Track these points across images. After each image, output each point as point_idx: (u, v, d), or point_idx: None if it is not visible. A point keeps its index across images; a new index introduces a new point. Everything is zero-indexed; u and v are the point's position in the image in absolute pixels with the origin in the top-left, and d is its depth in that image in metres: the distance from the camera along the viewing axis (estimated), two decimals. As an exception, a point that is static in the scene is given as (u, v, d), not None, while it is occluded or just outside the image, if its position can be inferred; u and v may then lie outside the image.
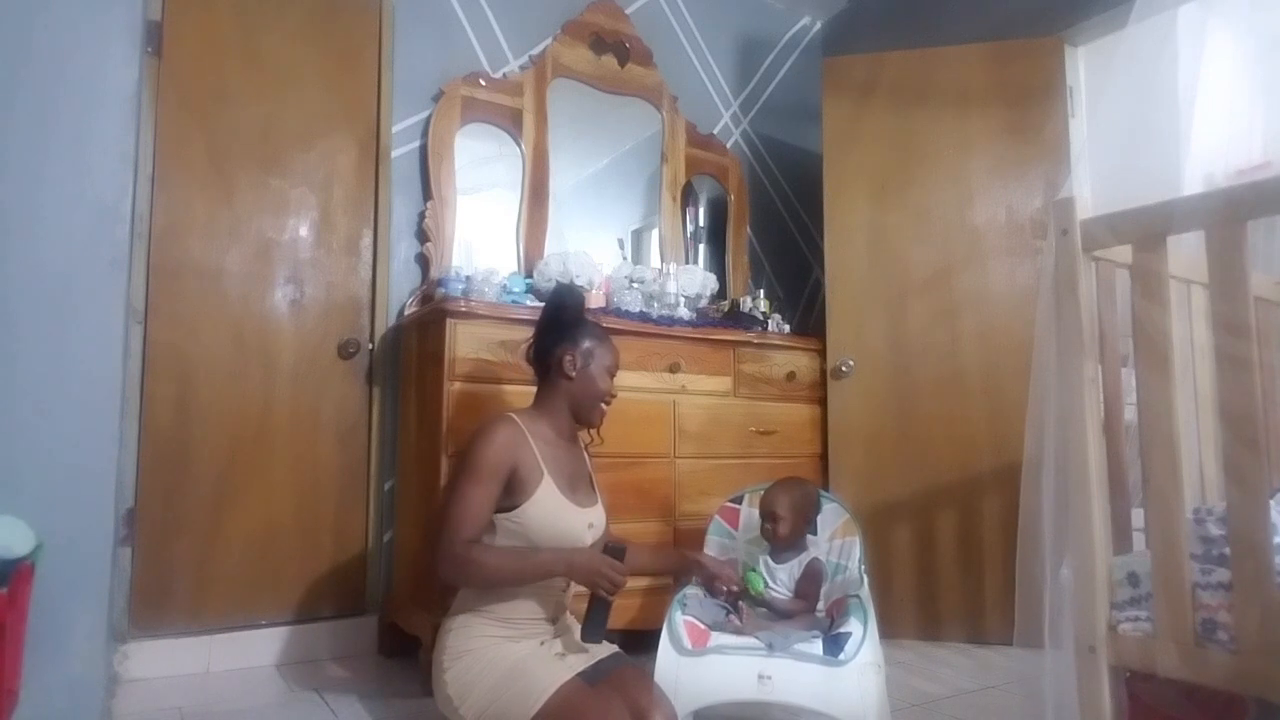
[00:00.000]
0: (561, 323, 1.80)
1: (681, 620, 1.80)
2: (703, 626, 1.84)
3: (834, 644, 1.71)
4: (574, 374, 1.76)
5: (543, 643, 1.62)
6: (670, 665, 1.71)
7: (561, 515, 1.65)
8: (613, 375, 1.82)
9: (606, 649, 1.70)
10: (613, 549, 1.61)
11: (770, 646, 1.72)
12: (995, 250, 2.84)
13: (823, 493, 2.33)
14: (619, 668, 1.63)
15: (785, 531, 2.06)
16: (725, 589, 1.90)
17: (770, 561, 2.08)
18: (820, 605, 2.07)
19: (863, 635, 1.73)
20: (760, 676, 1.66)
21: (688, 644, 1.73)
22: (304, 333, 2.54)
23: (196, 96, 2.43)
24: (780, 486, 2.14)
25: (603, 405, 1.81)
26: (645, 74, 3.24)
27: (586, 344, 1.78)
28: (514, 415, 1.70)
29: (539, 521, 1.61)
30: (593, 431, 1.86)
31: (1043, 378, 1.45)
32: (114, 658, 2.08)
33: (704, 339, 2.69)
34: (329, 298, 2.59)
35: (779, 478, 2.23)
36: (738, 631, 1.86)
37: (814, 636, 1.78)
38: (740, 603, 2.03)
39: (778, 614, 2.00)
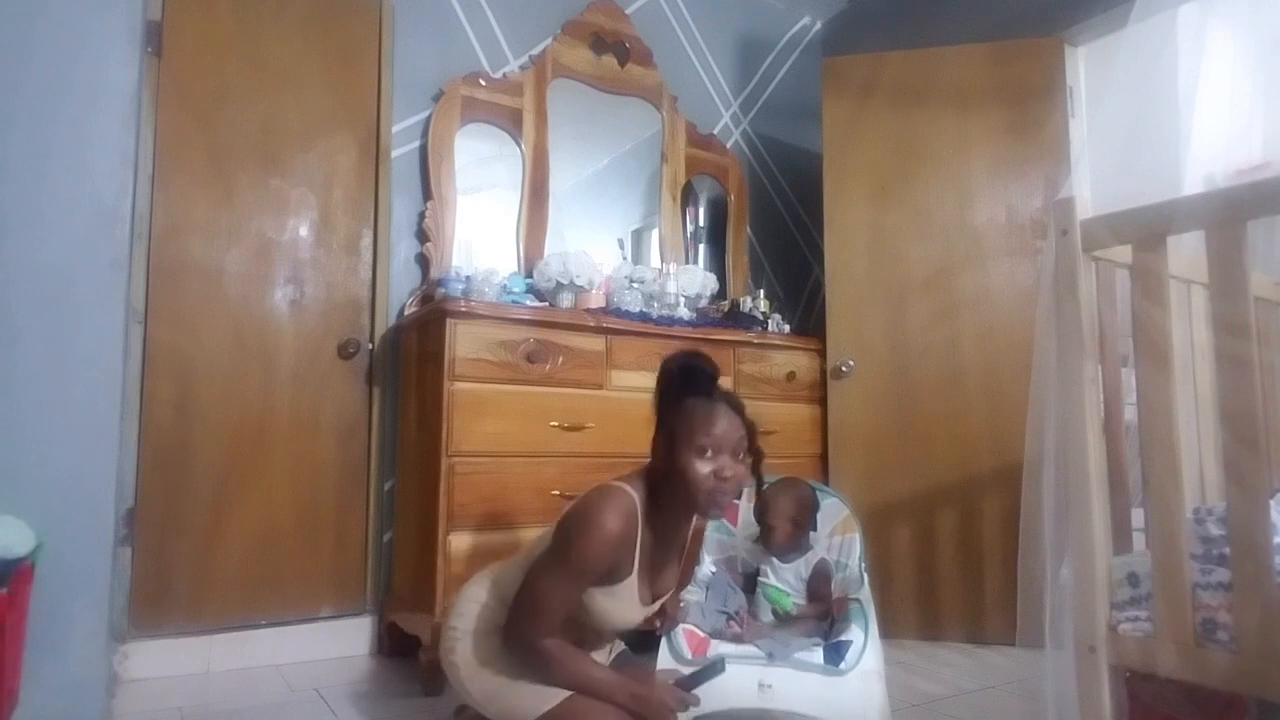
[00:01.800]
0: (660, 399, 1.58)
1: (681, 628, 1.79)
2: (702, 634, 1.82)
3: (835, 652, 1.69)
4: (661, 463, 1.53)
5: None
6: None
7: (625, 613, 1.56)
8: (710, 453, 1.47)
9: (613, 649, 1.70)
10: (700, 673, 1.51)
11: (770, 655, 1.69)
12: (995, 250, 2.84)
13: (823, 487, 2.32)
14: (625, 668, 1.63)
15: (782, 539, 2.06)
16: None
17: (777, 562, 2.07)
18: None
19: (864, 643, 1.71)
20: (761, 685, 1.64)
21: (687, 653, 1.72)
22: (304, 333, 2.54)
23: (196, 96, 2.43)
24: (774, 492, 2.10)
25: (714, 497, 1.49)
26: (645, 74, 3.24)
27: (672, 424, 1.52)
28: (632, 492, 1.50)
29: (601, 609, 1.53)
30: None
31: (1043, 378, 1.45)
32: (114, 658, 2.08)
33: (704, 339, 2.68)
34: (329, 298, 2.59)
35: (780, 478, 2.21)
36: (737, 639, 1.83)
37: (815, 644, 1.76)
38: (739, 612, 2.00)
39: (806, 625, 1.97)
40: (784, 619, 1.98)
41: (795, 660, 1.69)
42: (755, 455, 1.57)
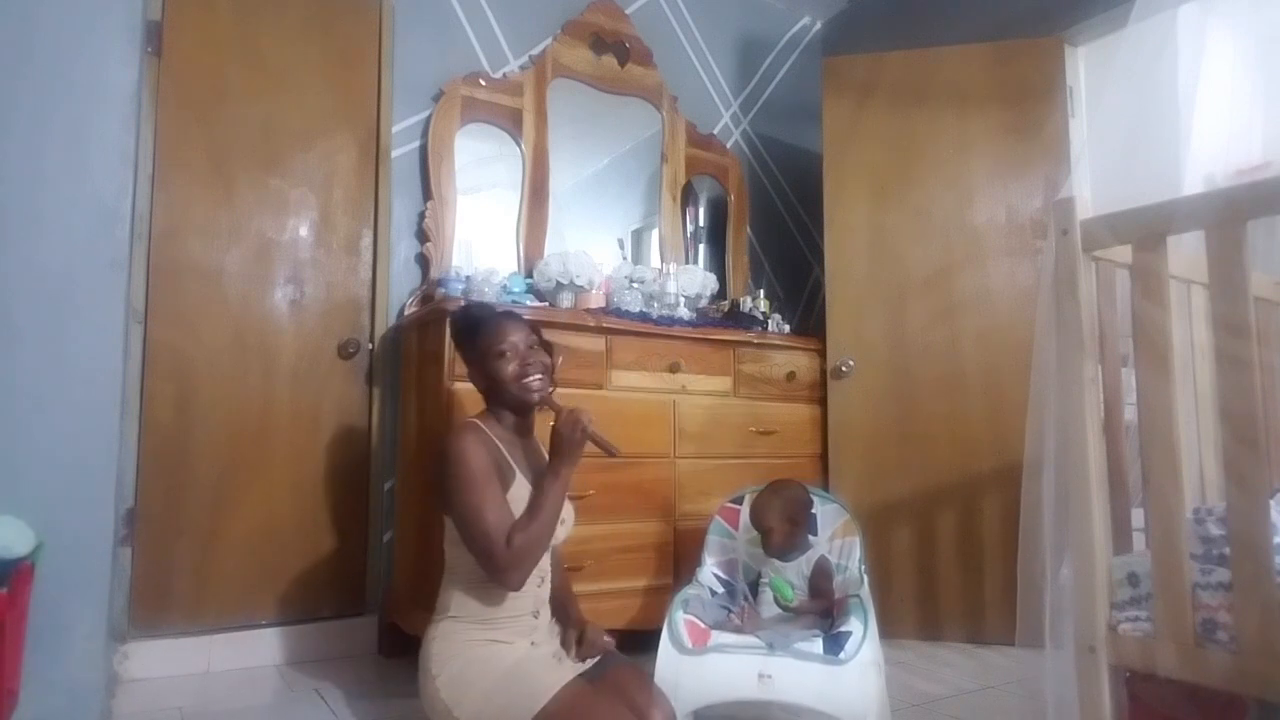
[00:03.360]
0: (460, 350, 1.82)
1: (682, 619, 1.81)
2: (703, 626, 1.84)
3: (834, 643, 1.72)
4: (483, 384, 1.75)
5: (533, 643, 1.62)
6: (671, 664, 1.71)
7: None
8: (509, 352, 1.70)
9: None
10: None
11: (770, 645, 1.72)
12: (995, 250, 2.84)
13: (823, 493, 2.33)
14: (616, 667, 1.63)
15: (780, 540, 2.07)
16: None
17: (778, 564, 2.09)
18: None
19: (863, 634, 1.74)
20: (761, 675, 1.66)
21: (688, 643, 1.74)
22: (304, 333, 2.54)
23: (196, 96, 2.43)
24: (767, 496, 2.14)
25: (524, 384, 1.70)
26: (645, 74, 3.24)
27: (474, 353, 1.75)
28: (475, 420, 1.70)
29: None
30: (550, 407, 1.79)
31: (1043, 378, 1.45)
32: (114, 658, 2.08)
33: (704, 339, 2.69)
34: (329, 298, 2.59)
35: (771, 481, 2.22)
36: (738, 630, 1.86)
37: (814, 635, 1.79)
38: (744, 603, 2.03)
39: (808, 619, 1.98)
40: (786, 610, 2.00)
41: (795, 650, 1.71)
42: (545, 346, 1.79)
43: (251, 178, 2.50)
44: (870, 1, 3.67)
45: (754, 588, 2.13)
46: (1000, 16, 3.09)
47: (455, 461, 1.57)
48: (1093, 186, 1.76)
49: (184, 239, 2.39)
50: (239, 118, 2.49)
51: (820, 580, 2.05)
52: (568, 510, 1.75)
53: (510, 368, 1.70)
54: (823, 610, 2.01)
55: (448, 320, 1.88)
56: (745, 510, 2.31)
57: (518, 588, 1.55)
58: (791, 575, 2.06)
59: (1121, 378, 1.43)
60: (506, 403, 1.73)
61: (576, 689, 1.49)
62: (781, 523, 2.07)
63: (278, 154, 2.54)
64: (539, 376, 1.72)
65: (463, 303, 2.24)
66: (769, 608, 2.04)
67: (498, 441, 1.66)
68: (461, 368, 2.21)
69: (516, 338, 1.73)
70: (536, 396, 1.72)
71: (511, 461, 1.66)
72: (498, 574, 1.53)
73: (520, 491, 1.63)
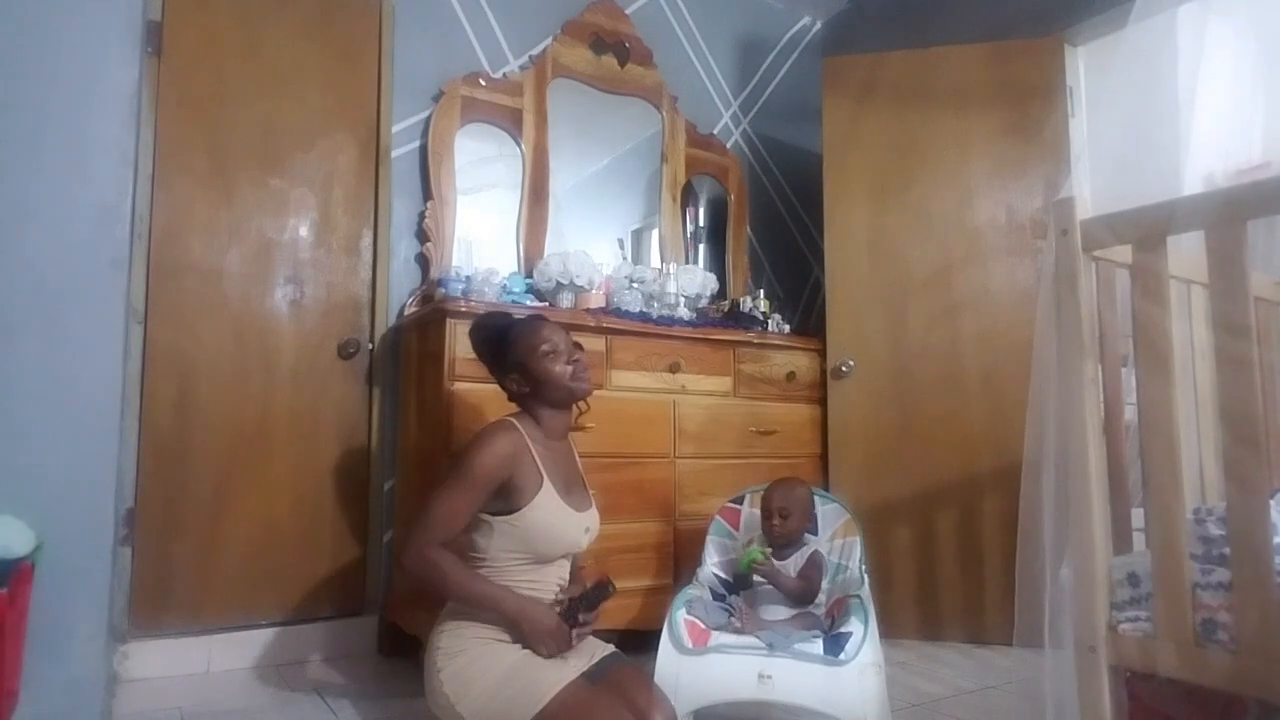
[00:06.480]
0: (490, 359, 1.83)
1: (683, 620, 1.81)
2: (703, 626, 1.85)
3: (834, 644, 1.72)
4: (528, 388, 1.75)
5: None
6: (671, 664, 1.72)
7: (560, 520, 1.67)
8: (555, 351, 1.73)
9: (604, 648, 1.70)
10: (589, 594, 1.64)
11: (771, 646, 1.73)
12: (995, 250, 2.84)
13: (824, 493, 2.34)
14: (617, 667, 1.63)
15: (792, 527, 2.09)
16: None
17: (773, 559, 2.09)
18: (821, 601, 2.07)
19: (863, 635, 1.74)
20: (761, 676, 1.67)
21: (688, 643, 1.74)
22: (304, 333, 2.54)
23: (196, 96, 2.43)
24: (782, 485, 2.17)
25: (574, 384, 1.74)
26: (645, 74, 3.24)
27: (515, 357, 1.75)
28: (514, 420, 1.71)
29: (538, 526, 1.62)
30: (581, 406, 1.83)
31: (1043, 378, 1.45)
32: (114, 658, 2.08)
33: (704, 339, 2.69)
34: (329, 298, 2.59)
35: (777, 478, 2.24)
36: (738, 632, 1.86)
37: (814, 636, 1.79)
38: (742, 604, 2.02)
39: (781, 590, 2.00)
40: (758, 571, 2.00)
41: (795, 651, 1.71)
42: (576, 344, 1.82)
43: (251, 178, 2.50)
44: (870, 1, 3.67)
45: (746, 580, 2.11)
46: (1000, 16, 3.09)
47: (473, 453, 1.61)
48: (1093, 186, 1.76)
49: (184, 239, 2.39)
50: (239, 118, 2.49)
51: (809, 568, 2.06)
52: (593, 520, 1.77)
53: (558, 366, 1.73)
54: (802, 591, 2.01)
55: (476, 337, 1.89)
56: (746, 511, 2.32)
57: (401, 566, 1.59)
58: (789, 570, 2.07)
59: (1121, 378, 1.43)
60: (554, 401, 1.75)
61: (578, 688, 1.50)
62: (796, 507, 2.09)
63: (278, 154, 2.54)
64: (586, 371, 1.78)
65: (464, 309, 2.24)
66: (767, 610, 2.02)
67: (531, 444, 1.68)
68: (462, 368, 2.22)
69: (558, 337, 1.77)
70: (589, 387, 1.77)
71: (541, 466, 1.67)
72: (400, 552, 1.59)
73: (546, 497, 1.64)
